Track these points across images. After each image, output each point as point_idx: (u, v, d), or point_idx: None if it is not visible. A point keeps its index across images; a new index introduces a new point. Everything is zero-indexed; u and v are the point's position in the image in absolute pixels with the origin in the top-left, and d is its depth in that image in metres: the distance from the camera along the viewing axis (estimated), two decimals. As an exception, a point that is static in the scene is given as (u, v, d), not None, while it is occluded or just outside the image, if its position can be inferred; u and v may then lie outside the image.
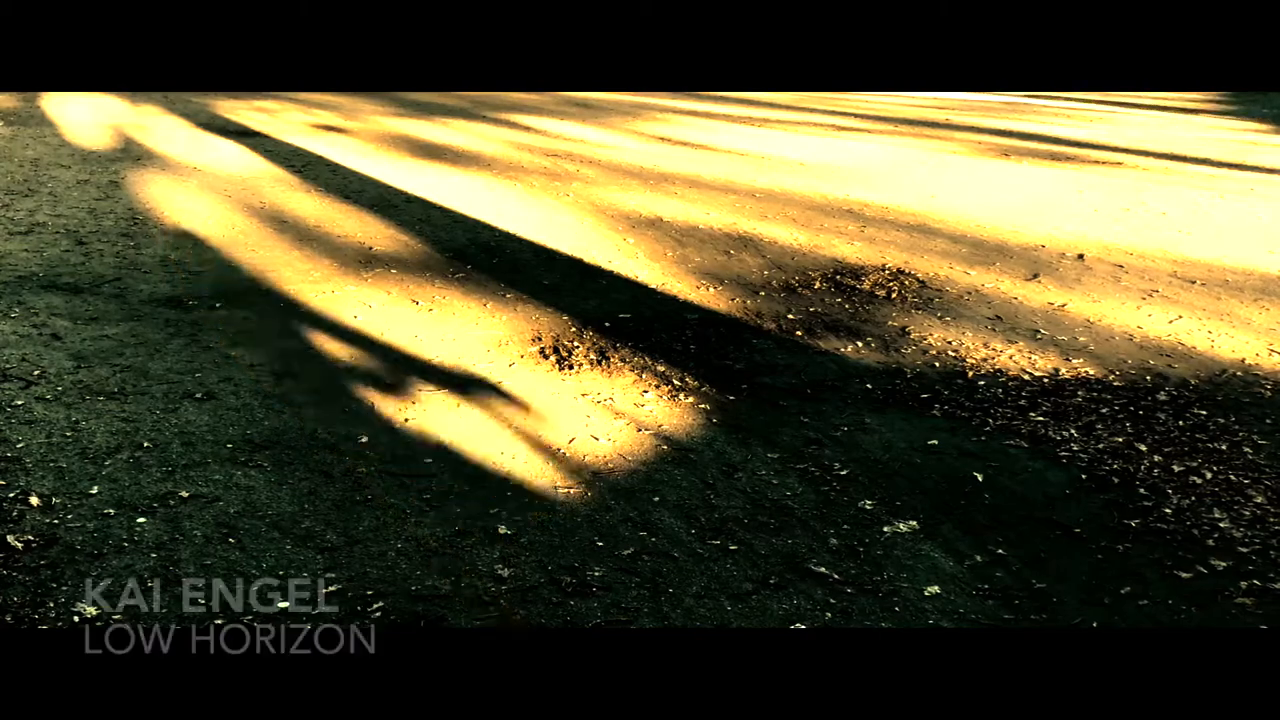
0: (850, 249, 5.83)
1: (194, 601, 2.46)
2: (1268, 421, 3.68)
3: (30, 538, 2.68)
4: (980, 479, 3.22)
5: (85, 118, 9.13)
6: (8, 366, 3.76)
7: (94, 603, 2.44)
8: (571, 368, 4.02)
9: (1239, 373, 4.15)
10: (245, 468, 3.12)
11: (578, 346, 4.24)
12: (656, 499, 3.05)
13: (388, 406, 3.60)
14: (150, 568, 2.58)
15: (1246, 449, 3.45)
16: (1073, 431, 3.56)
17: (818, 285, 5.17)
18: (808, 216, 6.55)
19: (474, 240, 5.79)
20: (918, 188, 7.48)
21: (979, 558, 2.80)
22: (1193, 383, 4.03)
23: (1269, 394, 3.93)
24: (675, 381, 3.91)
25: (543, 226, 6.12)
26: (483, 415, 3.57)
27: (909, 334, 4.50)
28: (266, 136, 8.64)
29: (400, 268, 5.23)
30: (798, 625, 2.48)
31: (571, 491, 3.08)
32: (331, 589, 2.54)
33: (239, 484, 3.02)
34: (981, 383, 3.98)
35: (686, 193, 7.11)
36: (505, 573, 2.65)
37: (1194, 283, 5.34)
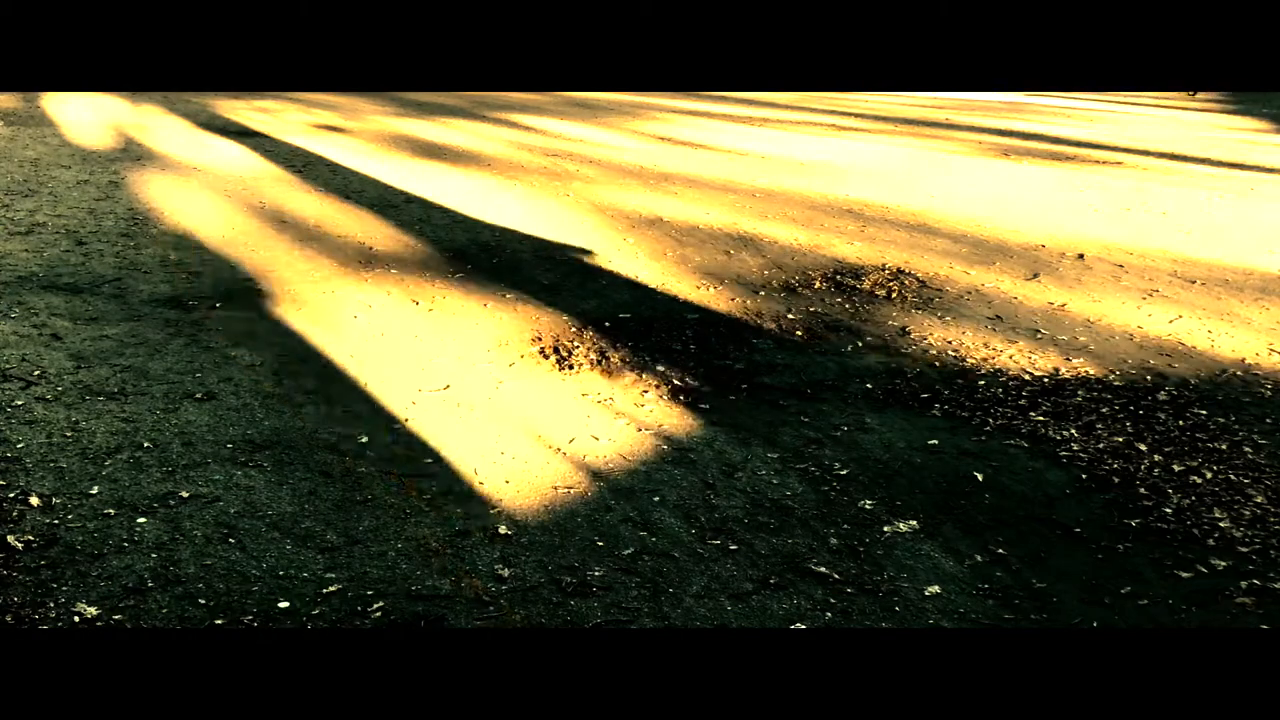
0: (850, 249, 5.83)
1: (194, 601, 2.46)
2: (1268, 421, 3.68)
3: (30, 538, 2.68)
4: (980, 479, 3.22)
5: (85, 118, 9.12)
6: (8, 366, 3.76)
7: (94, 603, 2.44)
8: (571, 368, 4.02)
9: (1239, 372, 4.15)
10: (245, 468, 3.12)
11: (578, 346, 4.24)
12: (656, 499, 3.05)
13: (388, 406, 3.60)
14: (150, 568, 2.58)
15: (1246, 449, 3.45)
16: (1073, 431, 3.56)
17: (818, 285, 5.17)
18: (808, 216, 6.55)
19: (474, 240, 5.79)
20: (918, 188, 7.48)
21: (979, 557, 2.80)
22: (1193, 382, 4.03)
23: (1269, 394, 3.93)
24: (675, 381, 3.91)
25: (542, 226, 6.12)
26: (483, 415, 3.57)
27: (909, 334, 4.50)
28: (266, 136, 8.64)
29: (400, 268, 5.23)
30: (798, 625, 2.48)
31: (571, 491, 3.08)
32: (331, 589, 2.54)
33: (239, 484, 3.02)
34: (981, 382, 3.98)
35: (686, 192, 7.11)
36: (505, 573, 2.65)
37: (1194, 282, 5.34)
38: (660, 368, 4.04)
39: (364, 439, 3.35)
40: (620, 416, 3.59)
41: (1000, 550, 2.83)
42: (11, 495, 2.88)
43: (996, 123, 10.83)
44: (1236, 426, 3.63)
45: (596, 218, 6.35)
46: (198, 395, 3.61)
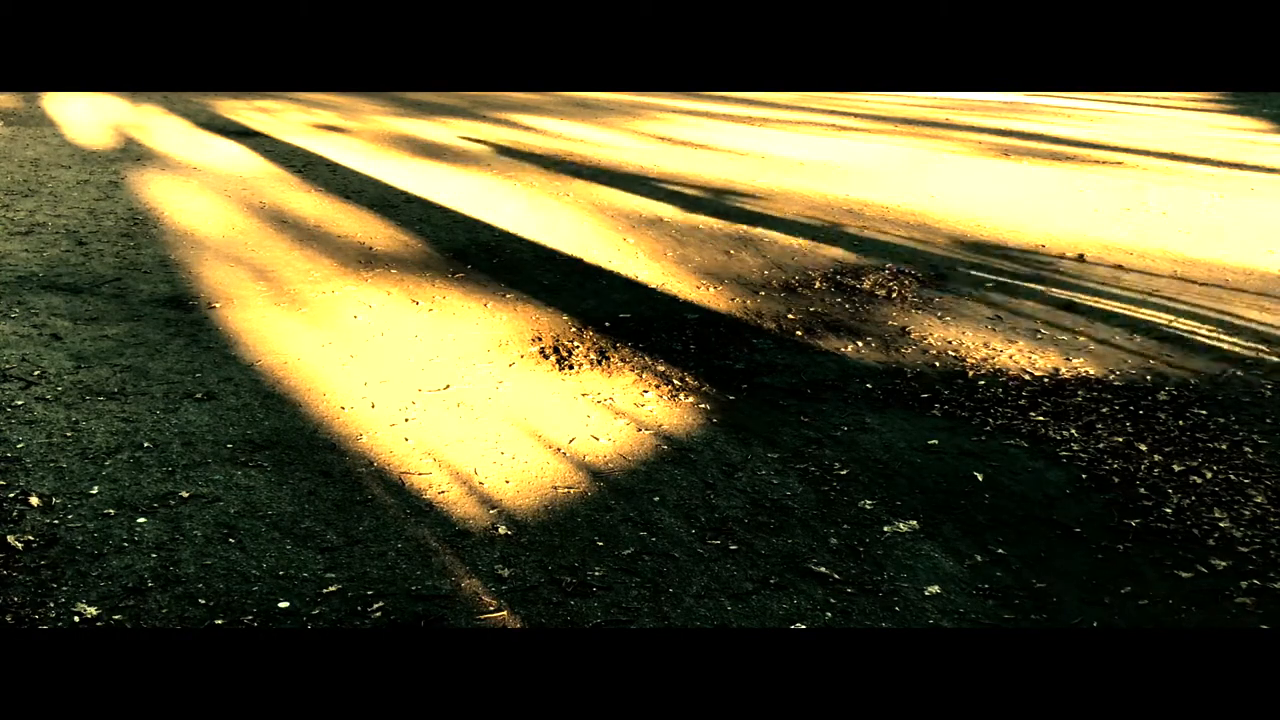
0: (850, 249, 5.83)
1: (194, 601, 2.46)
2: (1268, 421, 3.68)
3: (30, 538, 2.68)
4: (980, 479, 3.22)
5: (85, 118, 9.13)
6: (8, 366, 3.76)
7: (94, 603, 2.44)
8: (571, 368, 4.02)
9: (1239, 372, 4.15)
10: (245, 468, 3.12)
11: (578, 346, 4.24)
12: (656, 499, 3.05)
13: (388, 406, 3.60)
14: (150, 568, 2.58)
15: (1246, 449, 3.45)
16: (1073, 431, 3.56)
17: (818, 285, 5.17)
18: (808, 216, 6.54)
19: (474, 240, 5.79)
20: (918, 188, 7.48)
21: (979, 557, 2.80)
22: (1193, 383, 4.03)
23: (1269, 394, 3.93)
24: (675, 381, 3.91)
25: (542, 226, 6.12)
26: (482, 415, 3.57)
27: (909, 334, 4.50)
28: (266, 136, 8.65)
29: (400, 268, 5.23)
30: (798, 625, 2.48)
31: (571, 491, 3.08)
32: (331, 589, 2.54)
33: (239, 484, 3.02)
34: (981, 382, 3.98)
35: (687, 192, 7.11)
36: (505, 573, 2.65)
37: (1194, 282, 5.34)
38: (660, 368, 4.04)
39: (364, 439, 3.35)
40: (620, 416, 3.59)
41: (1000, 550, 2.83)
42: (11, 495, 2.88)
43: (996, 123, 10.83)
44: (1236, 426, 3.63)
45: (596, 218, 6.35)
46: (198, 395, 3.61)
